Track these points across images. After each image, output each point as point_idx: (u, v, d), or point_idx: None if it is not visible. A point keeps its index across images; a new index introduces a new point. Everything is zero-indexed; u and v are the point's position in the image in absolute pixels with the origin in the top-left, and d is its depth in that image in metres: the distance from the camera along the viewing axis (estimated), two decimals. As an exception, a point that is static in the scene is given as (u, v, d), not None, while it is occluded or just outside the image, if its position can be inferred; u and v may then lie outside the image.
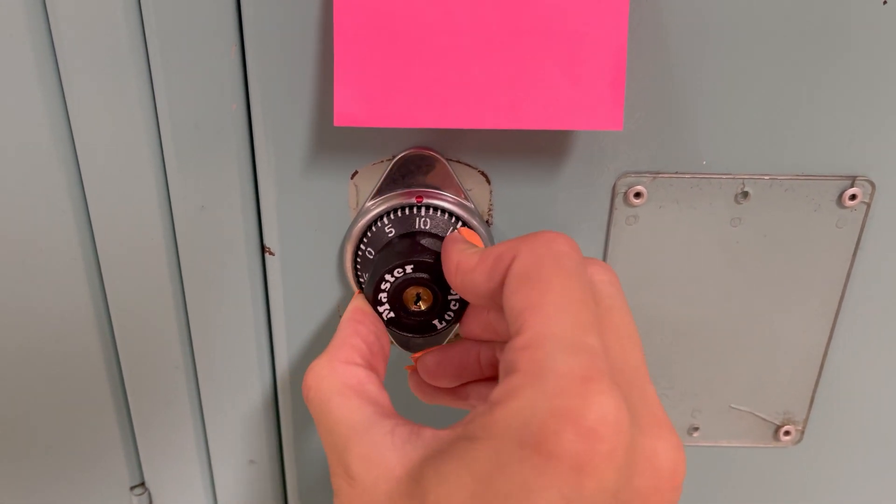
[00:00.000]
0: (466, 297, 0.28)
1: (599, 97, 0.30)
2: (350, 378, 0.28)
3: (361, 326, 0.30)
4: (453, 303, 0.32)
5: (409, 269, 0.31)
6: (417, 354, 0.33)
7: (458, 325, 0.33)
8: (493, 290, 0.26)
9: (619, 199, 0.35)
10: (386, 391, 0.28)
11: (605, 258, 0.37)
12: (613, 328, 0.26)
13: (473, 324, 0.32)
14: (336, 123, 0.30)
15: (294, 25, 0.31)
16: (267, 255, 0.37)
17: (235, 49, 0.32)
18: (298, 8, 0.31)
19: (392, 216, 0.34)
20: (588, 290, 0.25)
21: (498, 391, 0.23)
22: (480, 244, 0.31)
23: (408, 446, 0.25)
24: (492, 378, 0.32)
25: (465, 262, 0.28)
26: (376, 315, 0.32)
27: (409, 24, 0.29)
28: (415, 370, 0.34)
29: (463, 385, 0.33)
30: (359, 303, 0.32)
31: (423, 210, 0.34)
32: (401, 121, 0.30)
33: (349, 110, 0.30)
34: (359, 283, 0.36)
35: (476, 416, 0.23)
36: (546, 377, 0.22)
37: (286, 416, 0.41)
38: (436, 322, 0.32)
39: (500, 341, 0.32)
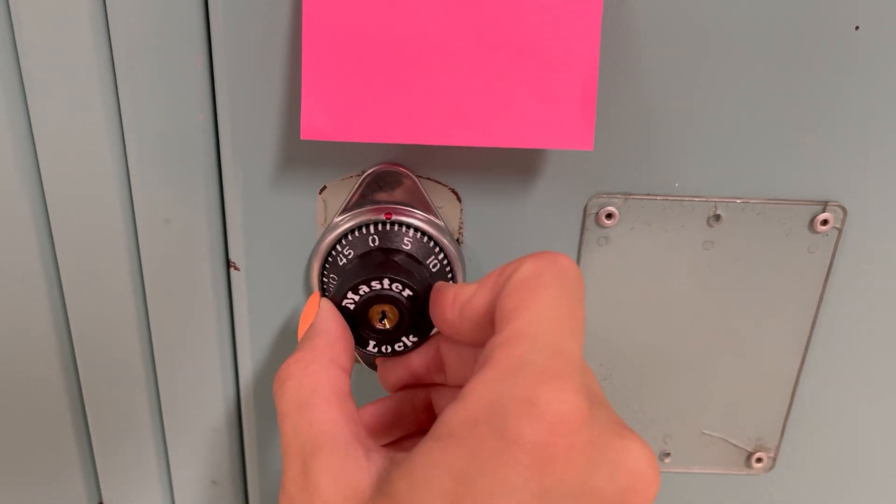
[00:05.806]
0: (454, 333, 0.28)
1: (570, 116, 0.30)
2: (340, 383, 0.26)
3: (347, 331, 0.29)
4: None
5: (375, 284, 0.30)
6: None
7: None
8: (492, 310, 0.26)
9: (590, 220, 0.35)
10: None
11: (576, 279, 0.36)
12: None
13: (401, 371, 0.32)
14: (303, 137, 0.30)
15: (263, 36, 0.31)
16: (232, 270, 0.36)
17: (203, 59, 0.31)
18: (267, 18, 0.30)
19: (350, 237, 0.33)
20: (580, 307, 0.25)
21: (470, 385, 0.23)
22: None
23: (383, 472, 0.24)
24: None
25: (462, 292, 0.27)
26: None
27: (379, 38, 0.29)
28: None
29: (402, 439, 0.32)
30: (329, 304, 0.30)
31: (382, 227, 0.33)
32: (368, 135, 0.30)
33: (316, 124, 0.30)
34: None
35: (444, 416, 0.23)
36: (520, 372, 0.22)
37: (250, 435, 0.40)
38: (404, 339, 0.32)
39: (431, 385, 0.31)
